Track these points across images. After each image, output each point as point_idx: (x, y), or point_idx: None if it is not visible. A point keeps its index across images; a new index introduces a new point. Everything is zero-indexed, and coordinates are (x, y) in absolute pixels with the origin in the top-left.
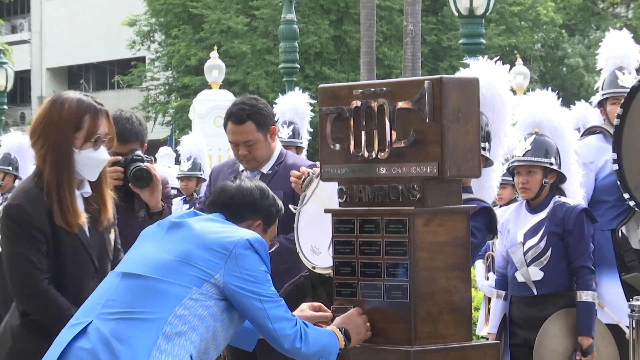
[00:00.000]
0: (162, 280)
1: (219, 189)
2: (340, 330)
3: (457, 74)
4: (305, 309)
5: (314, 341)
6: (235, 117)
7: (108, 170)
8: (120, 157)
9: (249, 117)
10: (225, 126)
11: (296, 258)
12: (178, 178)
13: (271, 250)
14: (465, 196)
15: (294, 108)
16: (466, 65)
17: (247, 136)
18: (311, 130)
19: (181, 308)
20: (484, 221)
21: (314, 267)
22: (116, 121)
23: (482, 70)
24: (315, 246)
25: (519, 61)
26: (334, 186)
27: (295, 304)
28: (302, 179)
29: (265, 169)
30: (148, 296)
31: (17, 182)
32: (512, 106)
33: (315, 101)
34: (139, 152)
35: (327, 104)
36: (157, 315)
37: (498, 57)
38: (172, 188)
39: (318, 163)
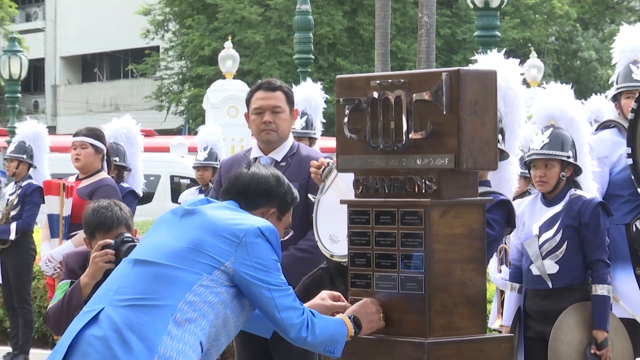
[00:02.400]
0: (172, 267)
1: (234, 176)
2: (350, 318)
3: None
4: (325, 297)
5: (320, 331)
6: (267, 84)
7: (98, 254)
8: (110, 240)
9: (280, 88)
10: (250, 98)
11: (309, 267)
12: (194, 167)
13: (286, 238)
14: (483, 189)
15: (307, 99)
16: (476, 60)
17: (277, 102)
18: (324, 121)
19: (191, 294)
20: (503, 214)
21: (332, 256)
22: (95, 212)
23: (492, 63)
24: (334, 235)
25: (533, 54)
26: (352, 176)
27: (313, 296)
28: (321, 169)
29: (279, 156)
30: (159, 283)
31: (31, 171)
32: (525, 98)
33: (328, 92)
34: (128, 234)
35: (345, 94)
36: (168, 302)
37: (508, 50)
38: (186, 178)
39: (332, 155)
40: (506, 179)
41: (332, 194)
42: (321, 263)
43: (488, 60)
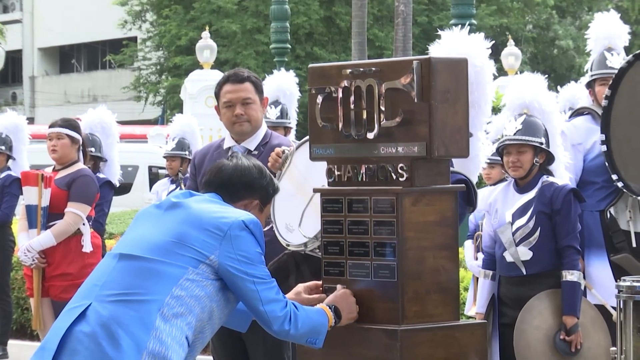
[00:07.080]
0: (158, 261)
1: (216, 168)
2: (330, 307)
3: (431, 49)
4: (300, 291)
5: (302, 323)
6: (234, 76)
7: None
8: None
9: (248, 79)
10: (219, 92)
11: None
12: (164, 157)
13: (266, 229)
14: None
15: (280, 88)
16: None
17: (246, 94)
18: (298, 110)
19: (178, 289)
20: (462, 194)
21: (288, 245)
22: None
23: (453, 42)
24: (289, 223)
25: (511, 42)
26: (306, 162)
27: (280, 283)
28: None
29: (253, 145)
30: (145, 277)
31: (10, 162)
32: (491, 72)
33: (306, 82)
34: None
35: (317, 83)
36: (155, 297)
37: (485, 38)
38: (164, 168)
39: (296, 141)
40: (472, 156)
41: (286, 181)
42: None
43: (452, 37)
